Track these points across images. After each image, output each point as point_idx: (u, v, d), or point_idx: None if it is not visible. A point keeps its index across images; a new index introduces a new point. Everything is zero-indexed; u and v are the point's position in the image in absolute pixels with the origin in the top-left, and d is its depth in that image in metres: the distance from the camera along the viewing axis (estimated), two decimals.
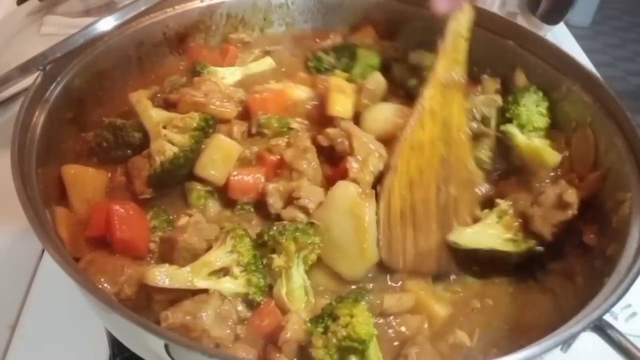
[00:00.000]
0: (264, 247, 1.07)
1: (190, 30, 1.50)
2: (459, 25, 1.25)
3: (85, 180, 1.18)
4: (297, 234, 1.05)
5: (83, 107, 1.28)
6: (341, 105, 1.31)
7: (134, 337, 0.93)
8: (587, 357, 1.11)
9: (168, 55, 1.49)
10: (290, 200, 1.14)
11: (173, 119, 1.22)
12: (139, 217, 1.11)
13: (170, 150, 1.17)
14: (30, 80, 1.16)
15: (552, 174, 1.27)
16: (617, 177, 1.14)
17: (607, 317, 0.89)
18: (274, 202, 1.15)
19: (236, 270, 1.02)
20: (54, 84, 1.20)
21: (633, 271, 0.92)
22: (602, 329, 0.89)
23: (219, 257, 1.03)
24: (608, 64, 5.25)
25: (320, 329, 0.93)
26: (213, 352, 0.84)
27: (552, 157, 1.25)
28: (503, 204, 1.17)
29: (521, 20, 1.94)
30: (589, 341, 0.92)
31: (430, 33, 1.27)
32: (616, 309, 1.28)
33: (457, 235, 1.15)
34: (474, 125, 1.31)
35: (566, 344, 0.88)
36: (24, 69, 1.17)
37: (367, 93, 1.35)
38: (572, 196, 1.13)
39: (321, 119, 1.32)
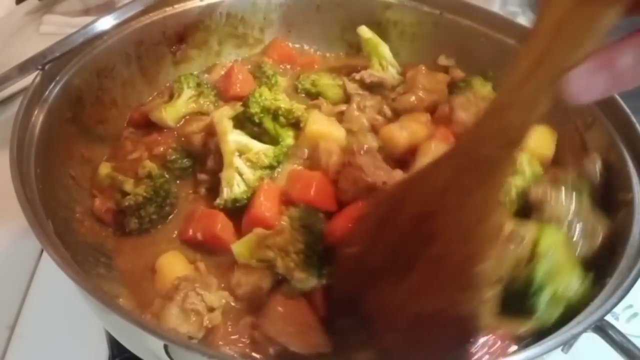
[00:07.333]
0: None
1: (190, 30, 1.49)
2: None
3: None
4: None
5: (82, 107, 1.27)
6: None
7: (134, 337, 0.93)
8: (588, 358, 1.10)
9: (168, 55, 1.48)
10: None
11: (249, 150, 1.20)
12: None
13: (238, 186, 1.16)
14: (29, 79, 1.15)
15: None
16: (618, 177, 1.14)
17: (609, 318, 0.88)
18: None
19: None
20: (53, 84, 1.19)
21: (634, 272, 0.92)
22: (603, 329, 0.88)
23: None
24: None
25: None
26: (213, 353, 0.83)
27: None
28: None
29: (522, 20, 1.93)
30: (590, 342, 0.92)
31: None
32: (617, 309, 1.26)
33: None
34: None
35: (567, 344, 0.88)
36: (23, 68, 1.16)
37: None
38: None
39: None
